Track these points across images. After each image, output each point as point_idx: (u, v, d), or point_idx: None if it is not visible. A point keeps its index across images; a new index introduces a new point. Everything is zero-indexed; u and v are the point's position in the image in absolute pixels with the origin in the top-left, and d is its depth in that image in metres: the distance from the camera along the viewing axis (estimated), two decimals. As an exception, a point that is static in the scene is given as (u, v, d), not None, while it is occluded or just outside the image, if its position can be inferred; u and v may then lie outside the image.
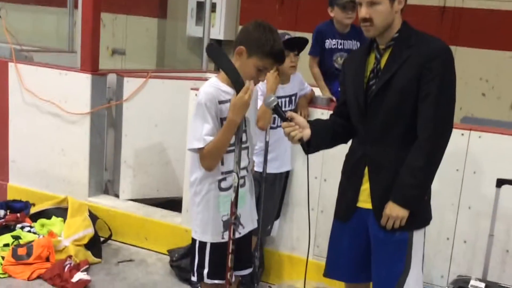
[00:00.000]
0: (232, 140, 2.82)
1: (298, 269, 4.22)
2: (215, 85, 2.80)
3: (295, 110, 3.90)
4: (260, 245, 4.22)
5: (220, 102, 2.77)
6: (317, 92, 4.35)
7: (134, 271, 4.38)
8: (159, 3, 7.33)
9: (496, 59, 5.69)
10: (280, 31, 3.82)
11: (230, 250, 2.82)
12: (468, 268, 3.69)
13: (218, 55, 2.81)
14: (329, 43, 4.50)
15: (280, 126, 3.83)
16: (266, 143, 3.76)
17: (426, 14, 5.77)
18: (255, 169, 3.84)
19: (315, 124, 2.88)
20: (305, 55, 4.24)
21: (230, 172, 2.82)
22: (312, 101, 4.06)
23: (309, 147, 2.82)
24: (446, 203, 3.73)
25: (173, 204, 4.98)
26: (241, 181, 2.92)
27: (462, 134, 3.64)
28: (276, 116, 3.72)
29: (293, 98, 3.90)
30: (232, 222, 2.81)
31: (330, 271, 3.00)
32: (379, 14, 2.64)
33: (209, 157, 2.77)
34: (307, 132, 2.79)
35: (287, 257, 4.29)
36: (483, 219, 3.56)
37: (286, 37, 3.75)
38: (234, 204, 2.79)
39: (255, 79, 2.79)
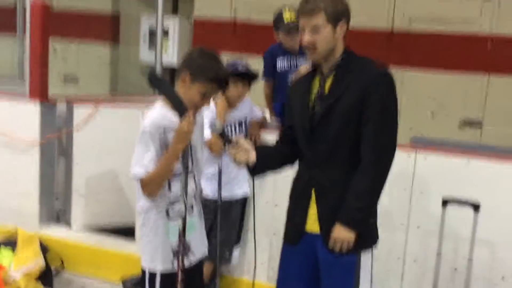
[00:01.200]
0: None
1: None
2: (162, 112, 2.80)
3: (246, 135, 3.93)
4: (218, 272, 4.20)
5: (166, 130, 2.76)
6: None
7: (87, 302, 4.31)
8: (112, 29, 7.30)
9: (444, 79, 5.81)
10: (234, 59, 3.90)
11: (180, 279, 2.80)
12: (419, 287, 3.74)
13: (159, 83, 2.82)
14: (281, 62, 4.54)
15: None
16: (219, 171, 3.76)
17: (374, 38, 5.88)
18: (210, 196, 3.84)
19: (260, 148, 2.91)
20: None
21: (178, 200, 2.80)
22: (263, 125, 4.08)
23: (254, 170, 2.84)
24: (396, 222, 3.79)
25: (129, 231, 4.88)
26: (189, 208, 2.91)
27: (409, 156, 3.71)
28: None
29: (243, 122, 3.92)
30: (180, 251, 2.79)
31: None
32: (322, 39, 2.68)
33: (150, 185, 2.76)
34: (252, 156, 2.81)
35: (245, 283, 4.26)
36: (432, 238, 3.61)
37: (240, 68, 3.77)
38: (182, 233, 2.78)
39: (199, 104, 2.80)
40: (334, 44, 2.72)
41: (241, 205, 4.07)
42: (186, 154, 2.75)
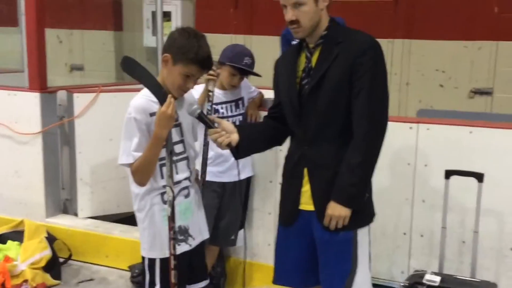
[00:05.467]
0: (179, 150, 2.78)
1: (260, 275, 4.17)
2: (146, 96, 2.74)
3: (244, 114, 3.87)
4: (222, 255, 4.18)
5: (152, 114, 2.71)
6: (268, 94, 4.31)
7: (95, 291, 4.31)
8: (114, 15, 7.23)
9: (451, 50, 5.68)
10: (240, 48, 3.82)
11: (173, 266, 2.75)
12: (427, 262, 3.66)
13: (134, 68, 2.71)
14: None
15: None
16: (205, 145, 3.69)
17: (379, 8, 5.76)
18: (213, 179, 3.79)
19: (243, 128, 2.83)
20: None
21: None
22: (261, 104, 4.01)
23: (238, 151, 2.77)
24: (400, 197, 3.71)
25: (135, 219, 4.88)
26: (185, 191, 2.88)
27: (411, 128, 3.61)
28: (232, 120, 3.73)
29: (239, 102, 3.85)
30: (172, 237, 2.74)
31: (279, 278, 2.95)
32: (305, 14, 2.61)
33: (139, 173, 2.72)
34: (234, 137, 2.73)
35: (249, 264, 4.22)
36: (438, 212, 3.52)
37: (245, 62, 3.70)
38: (172, 219, 2.73)
39: (183, 87, 2.74)
40: (318, 18, 2.65)
41: (245, 186, 4.02)
42: (169, 140, 2.69)
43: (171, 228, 2.73)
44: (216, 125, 2.73)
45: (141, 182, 2.75)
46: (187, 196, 2.87)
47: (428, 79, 5.77)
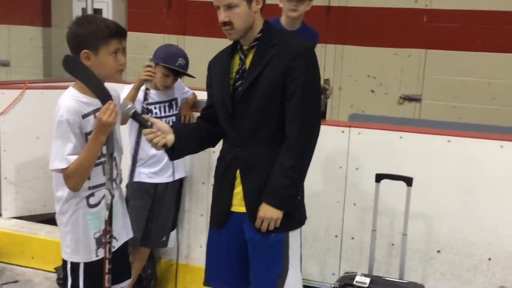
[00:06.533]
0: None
1: (191, 277, 4.13)
2: (75, 97, 2.62)
3: (178, 115, 3.82)
4: (152, 257, 4.11)
5: (83, 116, 2.61)
6: (202, 95, 4.28)
7: (19, 293, 4.16)
8: (42, 11, 7.05)
9: (382, 56, 5.81)
10: (178, 50, 3.76)
11: (107, 270, 2.68)
12: (358, 263, 3.71)
13: (77, 68, 2.59)
14: None
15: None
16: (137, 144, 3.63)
17: (312, 14, 5.80)
18: (145, 180, 3.73)
19: (179, 129, 2.79)
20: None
21: (98, 186, 2.69)
22: (195, 105, 3.97)
23: (174, 152, 2.73)
24: (332, 200, 3.74)
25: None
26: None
27: (343, 132, 3.66)
28: (165, 121, 3.65)
29: (173, 103, 3.81)
30: (107, 241, 2.66)
31: (209, 280, 2.91)
32: (238, 16, 2.60)
33: (74, 177, 2.59)
34: (170, 138, 2.70)
35: (181, 266, 4.18)
36: (368, 215, 3.58)
37: (178, 63, 3.65)
38: (109, 222, 2.65)
39: (117, 67, 2.64)
40: (251, 20, 2.64)
41: (177, 187, 3.97)
42: (110, 142, 2.61)
43: (108, 232, 2.66)
44: (149, 124, 2.67)
45: (75, 187, 2.62)
46: (112, 198, 2.79)
47: (360, 84, 5.89)
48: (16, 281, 4.32)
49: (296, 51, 2.60)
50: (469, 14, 5.53)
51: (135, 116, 2.64)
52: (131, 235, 3.00)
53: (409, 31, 5.70)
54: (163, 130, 2.68)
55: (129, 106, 2.64)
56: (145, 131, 2.66)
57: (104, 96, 2.57)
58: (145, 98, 3.63)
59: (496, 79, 5.48)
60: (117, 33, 2.63)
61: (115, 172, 2.77)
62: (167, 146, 2.68)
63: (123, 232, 2.90)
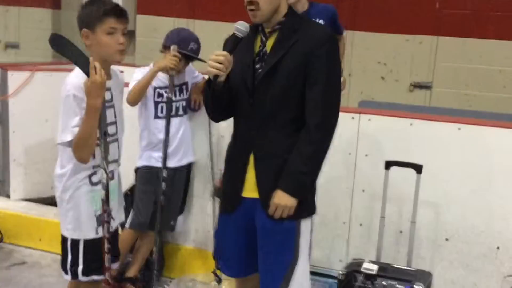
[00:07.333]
0: (112, 131, 2.75)
1: (199, 262, 4.13)
2: (82, 75, 2.63)
3: (188, 99, 3.81)
4: (160, 241, 4.11)
5: None
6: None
7: (27, 275, 4.17)
8: (53, -7, 7.06)
9: (393, 43, 5.76)
10: (190, 35, 3.74)
11: (107, 249, 2.70)
12: (365, 250, 3.70)
13: (63, 46, 2.58)
14: None
15: (179, 115, 3.74)
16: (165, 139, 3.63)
17: (323, 1, 5.77)
18: (154, 164, 3.72)
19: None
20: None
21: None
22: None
23: (219, 85, 2.61)
24: (341, 187, 3.74)
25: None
26: (110, 174, 2.80)
27: (353, 118, 3.64)
28: (175, 105, 3.69)
29: (183, 87, 3.80)
30: (105, 220, 2.69)
31: (222, 266, 2.93)
32: None
33: (81, 148, 2.63)
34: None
35: (188, 250, 4.19)
36: (377, 202, 3.57)
37: (190, 47, 3.65)
38: (106, 201, 2.68)
39: (115, 47, 2.66)
40: (277, 3, 2.61)
41: (186, 172, 3.96)
42: (103, 119, 2.62)
43: (105, 210, 2.69)
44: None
45: (81, 159, 2.65)
46: (112, 178, 2.81)
47: (370, 71, 5.83)
48: (24, 263, 4.34)
49: (321, 39, 2.59)
50: (481, 1, 5.46)
51: (236, 39, 2.58)
52: (123, 218, 3.10)
53: (421, 17, 5.63)
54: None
55: (244, 28, 2.58)
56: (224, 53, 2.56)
57: (87, 67, 2.53)
58: (173, 84, 3.63)
59: (508, 67, 5.41)
60: (112, 12, 2.65)
61: (116, 154, 2.81)
62: (222, 75, 2.58)
63: (119, 213, 2.97)
